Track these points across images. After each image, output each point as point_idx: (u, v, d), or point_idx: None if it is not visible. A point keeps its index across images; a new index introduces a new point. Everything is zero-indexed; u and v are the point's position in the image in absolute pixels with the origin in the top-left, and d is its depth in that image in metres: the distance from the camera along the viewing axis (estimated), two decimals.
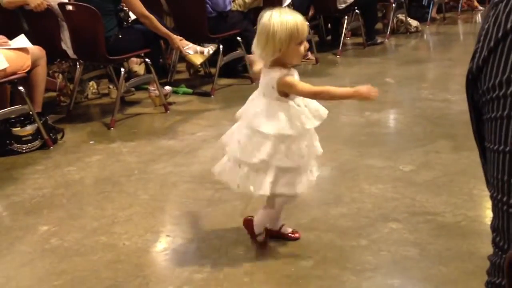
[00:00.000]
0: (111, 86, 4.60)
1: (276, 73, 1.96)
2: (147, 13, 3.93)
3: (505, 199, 0.73)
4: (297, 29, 1.92)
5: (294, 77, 1.99)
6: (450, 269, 2.00)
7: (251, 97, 2.11)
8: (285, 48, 1.91)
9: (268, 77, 1.98)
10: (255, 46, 1.96)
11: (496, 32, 0.73)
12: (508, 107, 0.71)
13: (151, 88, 4.31)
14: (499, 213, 0.74)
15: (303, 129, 1.99)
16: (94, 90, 4.69)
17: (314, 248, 2.20)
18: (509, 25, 0.72)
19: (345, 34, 6.02)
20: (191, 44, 4.25)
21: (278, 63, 1.97)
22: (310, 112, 2.02)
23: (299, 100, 2.01)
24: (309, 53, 5.53)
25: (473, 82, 0.80)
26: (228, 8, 4.69)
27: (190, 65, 5.06)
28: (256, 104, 2.03)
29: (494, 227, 0.76)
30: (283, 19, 1.90)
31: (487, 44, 0.75)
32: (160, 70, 4.65)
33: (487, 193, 0.80)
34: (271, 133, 1.95)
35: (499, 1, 0.75)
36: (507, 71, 0.72)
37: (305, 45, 1.98)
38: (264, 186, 1.99)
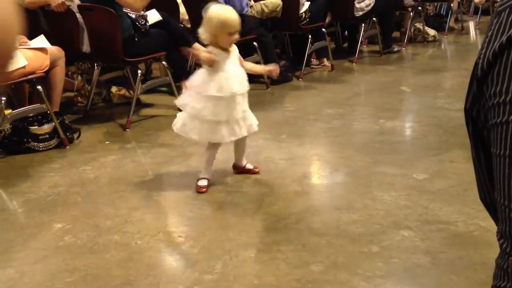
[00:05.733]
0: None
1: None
2: None
3: (507, 203, 0.74)
4: (227, 22, 2.59)
5: (211, 54, 2.65)
6: (461, 278, 1.99)
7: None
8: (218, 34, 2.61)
9: None
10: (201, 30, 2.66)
11: (500, 38, 0.75)
12: None
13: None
14: (504, 218, 0.75)
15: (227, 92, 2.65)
16: (118, 94, 4.60)
17: (324, 253, 2.20)
18: None
19: (361, 41, 6.02)
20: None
21: (214, 44, 2.67)
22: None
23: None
24: (324, 59, 5.53)
25: (478, 88, 0.81)
26: (246, 10, 4.69)
27: None
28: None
29: (501, 233, 0.77)
30: (219, 11, 2.60)
31: (490, 49, 0.76)
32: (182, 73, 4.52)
33: None
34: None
35: (502, 10, 0.76)
36: None
37: (235, 37, 2.64)
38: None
